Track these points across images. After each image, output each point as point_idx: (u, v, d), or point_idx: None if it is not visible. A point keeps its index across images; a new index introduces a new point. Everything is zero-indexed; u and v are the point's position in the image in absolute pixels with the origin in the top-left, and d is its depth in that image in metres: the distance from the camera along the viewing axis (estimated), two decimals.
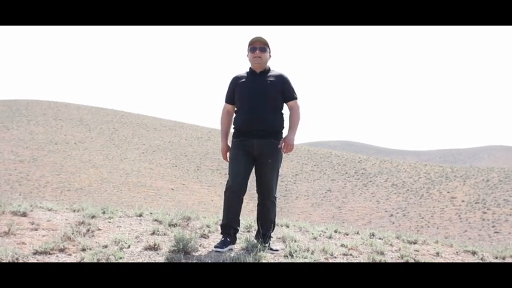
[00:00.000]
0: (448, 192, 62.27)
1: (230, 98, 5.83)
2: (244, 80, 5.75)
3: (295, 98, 5.80)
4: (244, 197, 5.68)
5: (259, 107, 5.59)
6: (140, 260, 5.03)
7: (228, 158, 5.77)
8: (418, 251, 6.19)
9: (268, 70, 5.80)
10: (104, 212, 6.75)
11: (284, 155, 5.84)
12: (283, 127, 5.74)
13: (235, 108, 5.80)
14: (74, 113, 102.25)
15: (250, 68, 5.82)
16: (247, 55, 5.78)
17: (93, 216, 6.50)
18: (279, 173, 5.83)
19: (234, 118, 5.80)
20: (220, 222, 5.84)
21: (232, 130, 5.85)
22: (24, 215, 6.33)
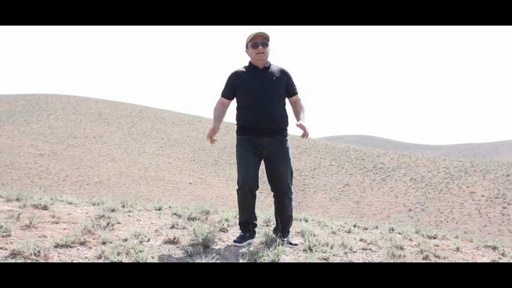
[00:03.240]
0: (467, 187, 61.82)
1: (227, 93, 5.66)
2: (247, 76, 5.60)
3: (297, 93, 5.75)
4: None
5: (267, 104, 5.48)
6: (160, 254, 5.05)
7: (212, 139, 5.61)
8: (437, 246, 6.15)
9: (270, 65, 5.67)
10: (123, 206, 6.79)
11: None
12: (288, 123, 5.68)
13: (239, 105, 5.66)
14: (92, 107, 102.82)
15: (250, 63, 5.68)
16: (247, 51, 5.66)
17: (112, 210, 6.54)
18: (292, 168, 5.79)
19: (239, 115, 5.64)
20: (238, 218, 5.83)
21: (221, 124, 5.67)
22: (45, 208, 6.38)
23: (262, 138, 5.53)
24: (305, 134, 5.55)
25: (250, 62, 5.70)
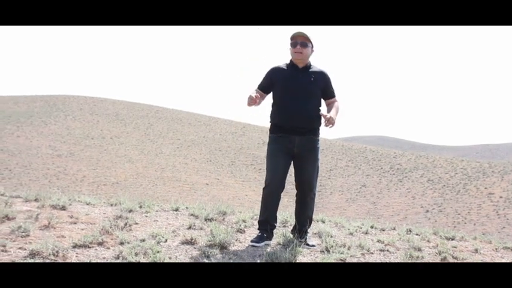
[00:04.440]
0: (485, 188, 61.34)
1: (264, 87, 5.69)
2: (286, 73, 5.64)
3: (335, 96, 5.78)
4: None
5: (302, 104, 5.51)
6: (177, 254, 5.06)
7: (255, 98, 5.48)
8: (456, 248, 6.11)
9: (310, 66, 5.71)
10: (140, 206, 6.81)
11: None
12: (320, 123, 5.69)
13: (274, 102, 5.69)
14: (109, 108, 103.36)
15: (291, 61, 5.72)
16: (289, 49, 5.70)
17: (130, 211, 6.56)
18: (319, 169, 5.80)
19: (273, 112, 5.68)
20: (256, 218, 5.83)
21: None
22: (63, 208, 6.42)
23: (294, 137, 5.55)
24: (329, 122, 5.48)
25: (290, 60, 5.74)
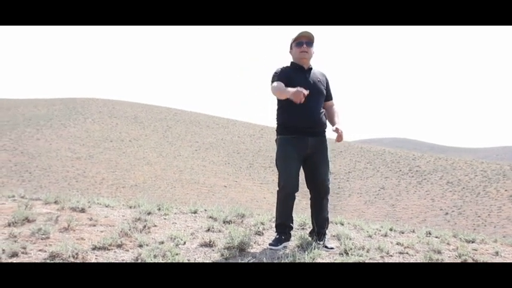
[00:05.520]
0: (505, 190, 60.76)
1: (283, 79, 5.45)
2: (295, 74, 5.57)
3: (332, 99, 5.82)
4: (297, 195, 5.62)
5: (313, 105, 5.48)
6: (196, 257, 5.07)
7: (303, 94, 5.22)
8: (476, 250, 6.05)
9: (312, 67, 5.70)
10: (159, 209, 6.83)
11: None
12: (326, 125, 5.70)
13: (283, 104, 5.54)
14: (128, 111, 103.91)
15: (292, 63, 5.68)
16: (291, 51, 5.68)
17: (149, 213, 6.58)
18: (331, 170, 5.79)
19: (283, 114, 5.59)
20: (274, 221, 5.81)
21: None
22: (82, 211, 6.46)
23: (307, 138, 5.51)
24: (340, 138, 5.55)
25: (292, 62, 5.70)
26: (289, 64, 5.71)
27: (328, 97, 5.75)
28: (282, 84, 5.40)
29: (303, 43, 5.58)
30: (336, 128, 5.53)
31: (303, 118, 5.50)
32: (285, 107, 5.57)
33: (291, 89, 5.24)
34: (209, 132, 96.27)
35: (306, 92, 5.19)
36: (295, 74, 5.59)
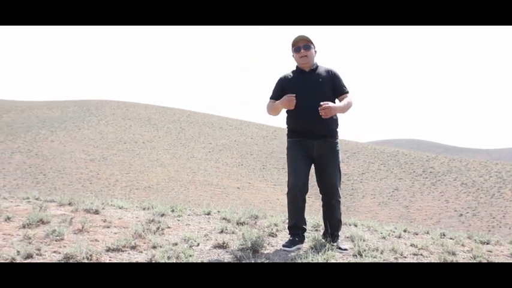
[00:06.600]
0: None
1: (277, 96, 5.62)
2: (295, 79, 5.62)
3: (347, 92, 5.66)
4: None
5: (315, 106, 5.41)
6: (209, 258, 5.07)
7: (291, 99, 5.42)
8: (491, 252, 6.01)
9: (317, 67, 5.68)
10: (172, 210, 6.85)
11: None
12: (338, 125, 5.67)
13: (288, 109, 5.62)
14: (142, 113, 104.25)
15: (297, 67, 5.71)
16: (293, 56, 5.69)
17: (162, 215, 6.60)
18: (341, 172, 5.77)
19: (289, 118, 5.66)
20: (287, 222, 5.81)
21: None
22: (96, 212, 6.49)
23: (312, 141, 5.53)
24: (322, 109, 5.35)
25: (296, 66, 5.73)
26: (294, 68, 5.76)
27: (339, 92, 5.65)
28: (272, 102, 5.64)
29: (301, 48, 5.59)
30: (323, 103, 5.36)
31: (305, 121, 5.52)
32: (289, 112, 5.65)
33: (278, 102, 5.52)
34: (222, 133, 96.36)
35: (293, 96, 5.40)
36: (296, 78, 5.64)
